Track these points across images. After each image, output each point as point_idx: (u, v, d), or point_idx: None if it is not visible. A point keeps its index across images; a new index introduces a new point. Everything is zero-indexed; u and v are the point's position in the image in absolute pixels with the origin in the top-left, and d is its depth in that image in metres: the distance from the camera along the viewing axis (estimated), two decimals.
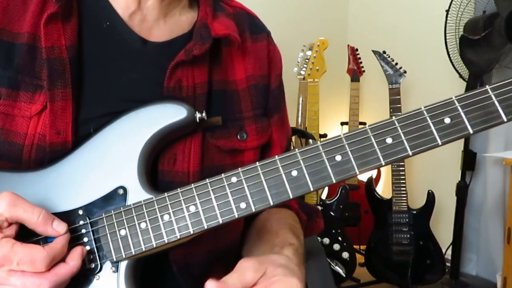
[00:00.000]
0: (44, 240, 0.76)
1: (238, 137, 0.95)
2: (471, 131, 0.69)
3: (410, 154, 0.71)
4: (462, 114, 0.70)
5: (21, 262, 0.70)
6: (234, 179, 0.75)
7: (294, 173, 0.73)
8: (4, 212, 0.72)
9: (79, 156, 0.83)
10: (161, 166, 0.87)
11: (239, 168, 0.75)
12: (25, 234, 0.75)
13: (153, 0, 0.91)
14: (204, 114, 0.86)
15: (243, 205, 0.74)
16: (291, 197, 0.73)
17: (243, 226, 1.03)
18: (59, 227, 0.75)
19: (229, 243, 0.99)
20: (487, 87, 0.69)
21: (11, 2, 0.85)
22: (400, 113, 0.72)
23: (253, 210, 0.74)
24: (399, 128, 0.71)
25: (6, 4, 0.85)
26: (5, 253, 0.70)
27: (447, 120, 0.70)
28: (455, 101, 0.70)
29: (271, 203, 0.74)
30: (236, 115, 0.96)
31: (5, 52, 0.84)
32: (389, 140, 0.71)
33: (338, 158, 0.72)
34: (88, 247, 0.79)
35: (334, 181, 0.72)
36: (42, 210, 0.75)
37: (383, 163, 0.71)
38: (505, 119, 0.69)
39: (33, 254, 0.71)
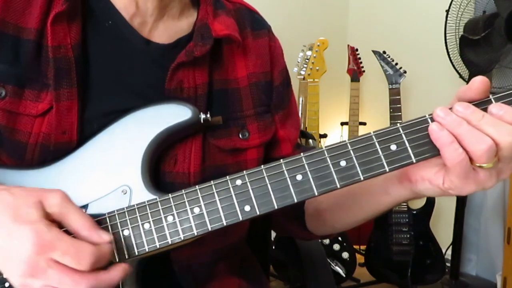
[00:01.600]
0: None
1: (240, 136, 0.95)
2: None
3: (414, 161, 0.71)
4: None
5: (66, 253, 0.65)
6: (239, 182, 0.75)
7: (299, 177, 0.73)
8: (55, 205, 0.68)
9: (83, 154, 0.83)
10: (162, 167, 0.87)
11: (244, 171, 0.75)
12: None
13: (151, 1, 0.90)
14: (208, 115, 0.86)
15: (247, 208, 0.75)
16: (295, 201, 0.74)
17: (248, 226, 1.03)
18: (104, 235, 0.70)
19: (233, 243, 0.99)
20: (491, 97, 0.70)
21: None
22: (403, 121, 0.72)
23: (258, 213, 0.74)
24: (403, 135, 0.71)
25: None
26: (51, 238, 0.65)
27: None
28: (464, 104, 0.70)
29: (276, 207, 0.74)
30: (237, 113, 0.96)
31: (11, 47, 0.83)
32: (393, 147, 0.71)
33: (343, 163, 0.72)
34: None
35: (338, 186, 0.73)
36: (88, 215, 0.71)
37: (387, 170, 0.72)
38: None
39: (80, 247, 0.66)
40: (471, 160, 0.67)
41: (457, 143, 0.67)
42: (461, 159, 0.67)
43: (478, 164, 0.67)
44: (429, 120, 0.71)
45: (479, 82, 0.69)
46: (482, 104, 0.70)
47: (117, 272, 0.70)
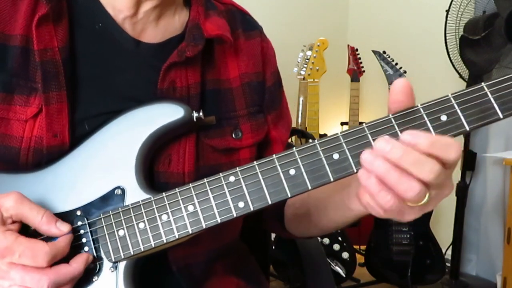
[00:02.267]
0: (48, 239, 0.76)
1: (233, 135, 0.95)
2: (467, 128, 0.69)
3: None
4: (459, 111, 0.69)
5: (23, 255, 0.71)
6: (232, 178, 0.75)
7: (292, 171, 0.73)
8: (10, 208, 0.74)
9: (76, 156, 0.83)
10: (156, 167, 0.87)
11: (237, 168, 0.75)
12: (29, 235, 0.75)
13: (150, 5, 0.90)
14: (201, 114, 0.86)
15: (241, 204, 0.74)
16: (289, 196, 0.73)
17: (241, 227, 1.03)
18: (62, 227, 0.76)
19: (229, 242, 0.99)
20: (483, 84, 0.69)
21: (0, 3, 0.85)
22: (397, 112, 0.71)
23: (251, 209, 0.74)
24: (396, 126, 0.70)
25: None
26: (8, 244, 0.71)
27: (444, 118, 0.69)
28: (452, 98, 0.69)
29: (269, 202, 0.73)
30: (230, 113, 0.96)
31: None
32: None
33: (336, 156, 0.72)
34: (86, 248, 0.79)
35: (332, 180, 0.72)
36: (46, 210, 0.76)
37: None
38: (501, 116, 0.68)
39: (36, 248, 0.72)
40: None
41: (385, 190, 0.65)
42: (390, 204, 0.65)
43: (410, 204, 0.66)
44: (421, 110, 0.69)
45: (401, 84, 0.68)
46: (475, 91, 0.69)
47: (78, 263, 0.76)
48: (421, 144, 0.63)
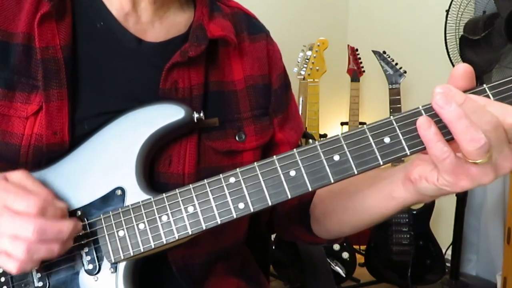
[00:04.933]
0: None
1: (237, 138, 0.95)
2: None
3: (408, 153, 0.70)
4: None
5: (17, 195, 0.71)
6: (232, 180, 0.75)
7: (292, 173, 0.73)
8: (17, 179, 0.75)
9: (76, 156, 0.83)
10: (157, 167, 0.87)
11: (237, 169, 0.75)
12: None
13: (146, 1, 0.91)
14: (202, 114, 0.86)
15: (241, 205, 0.74)
16: (289, 197, 0.73)
17: (246, 227, 1.02)
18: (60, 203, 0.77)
19: (230, 244, 0.99)
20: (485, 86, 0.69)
21: (5, 2, 0.86)
22: (398, 113, 0.71)
23: (252, 210, 0.74)
24: (397, 128, 0.70)
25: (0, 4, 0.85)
26: (5, 186, 0.73)
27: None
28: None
29: (270, 203, 0.73)
30: (234, 116, 0.95)
31: (1, 52, 0.84)
32: (387, 140, 0.70)
33: (336, 158, 0.72)
34: (86, 248, 0.79)
35: (332, 181, 0.72)
36: (47, 190, 0.77)
37: (381, 163, 0.71)
38: None
39: (30, 193, 0.72)
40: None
41: (443, 142, 0.65)
42: (445, 156, 0.65)
43: (471, 161, 0.65)
44: (422, 112, 0.69)
45: (462, 68, 0.67)
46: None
47: (68, 223, 0.73)
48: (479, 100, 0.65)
